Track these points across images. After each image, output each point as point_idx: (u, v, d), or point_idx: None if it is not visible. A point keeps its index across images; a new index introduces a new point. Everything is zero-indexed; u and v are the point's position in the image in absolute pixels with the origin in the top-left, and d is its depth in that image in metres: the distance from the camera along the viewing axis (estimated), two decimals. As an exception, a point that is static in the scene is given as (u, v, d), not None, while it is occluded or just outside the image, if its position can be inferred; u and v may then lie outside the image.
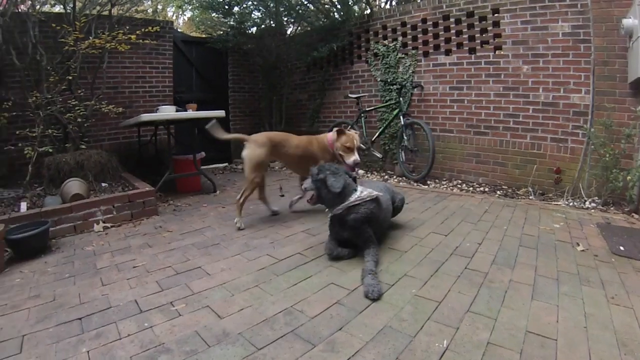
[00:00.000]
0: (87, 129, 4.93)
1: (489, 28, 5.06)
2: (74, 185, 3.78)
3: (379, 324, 1.87)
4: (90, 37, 4.64)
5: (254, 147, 3.51)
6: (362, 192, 2.71)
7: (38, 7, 4.83)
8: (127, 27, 4.95)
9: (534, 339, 1.73)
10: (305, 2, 7.35)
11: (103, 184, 4.30)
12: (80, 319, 1.99)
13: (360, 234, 2.65)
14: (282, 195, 4.71)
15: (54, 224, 3.39)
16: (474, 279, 2.35)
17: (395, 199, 3.27)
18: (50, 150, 4.16)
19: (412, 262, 2.63)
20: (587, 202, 4.15)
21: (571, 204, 4.16)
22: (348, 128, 6.16)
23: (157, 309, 2.07)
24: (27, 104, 4.27)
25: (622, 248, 2.81)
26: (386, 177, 5.85)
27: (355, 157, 3.59)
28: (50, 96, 4.35)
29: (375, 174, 6.10)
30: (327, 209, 2.84)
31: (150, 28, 5.16)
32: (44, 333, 1.87)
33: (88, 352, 1.70)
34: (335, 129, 3.73)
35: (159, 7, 10.84)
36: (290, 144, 3.74)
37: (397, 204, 3.26)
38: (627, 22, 3.77)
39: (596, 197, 4.18)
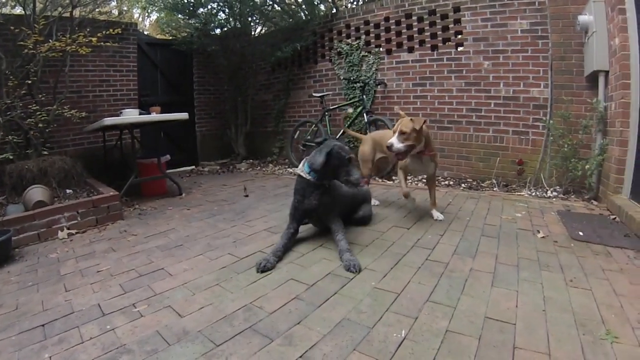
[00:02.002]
0: (49, 134, 4.81)
1: (451, 26, 5.18)
2: (36, 192, 3.69)
3: (337, 316, 1.89)
4: (51, 40, 4.53)
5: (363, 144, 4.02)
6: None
7: (-3, 9, 4.72)
8: (89, 30, 4.86)
9: (493, 324, 1.76)
10: (271, 3, 7.34)
11: (68, 191, 4.21)
12: (43, 325, 1.96)
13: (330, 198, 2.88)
14: (247, 196, 4.72)
15: (16, 233, 3.30)
16: (435, 269, 2.39)
17: (361, 207, 3.34)
18: (12, 157, 4.06)
19: (372, 255, 2.66)
20: (548, 192, 4.28)
21: (533, 193, 4.29)
22: (313, 127, 6.20)
23: (120, 311, 2.06)
24: (-15, 110, 4.16)
25: (581, 233, 2.91)
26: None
27: (390, 140, 3.21)
28: (9, 101, 4.23)
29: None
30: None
31: (112, 30, 5.06)
32: (7, 342, 1.83)
33: (50, 357, 1.68)
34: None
35: (125, 8, 10.68)
36: (385, 141, 3.73)
37: (360, 215, 3.30)
38: (583, 18, 3.92)
39: (557, 187, 4.31)
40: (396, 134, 3.16)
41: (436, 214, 3.47)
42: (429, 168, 3.47)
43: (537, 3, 4.46)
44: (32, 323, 2.00)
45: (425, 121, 3.22)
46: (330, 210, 2.89)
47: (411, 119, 3.16)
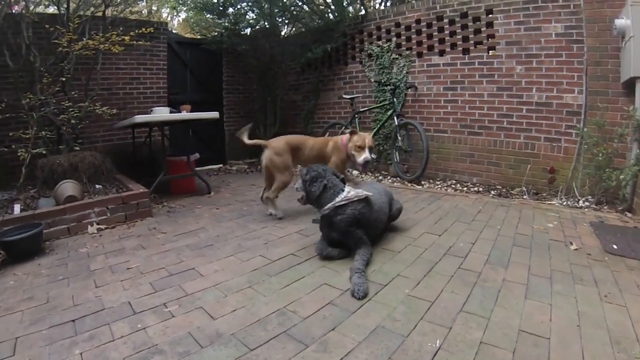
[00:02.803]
0: (81, 130, 4.92)
1: (483, 29, 5.09)
2: (67, 187, 3.76)
3: (371, 324, 1.87)
4: (84, 39, 4.62)
5: (272, 153, 3.79)
6: (348, 193, 2.70)
7: (32, 8, 4.81)
8: (121, 29, 4.94)
9: (527, 338, 1.73)
10: (300, 3, 7.35)
11: (97, 186, 4.29)
12: (73, 320, 1.99)
13: (349, 235, 2.66)
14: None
15: (47, 226, 3.37)
16: (468, 278, 2.35)
17: (393, 205, 3.25)
18: (44, 152, 4.13)
19: (405, 262, 2.63)
20: (580, 201, 4.16)
21: (565, 203, 4.18)
22: (342, 129, 6.18)
23: (151, 310, 2.07)
24: (21, 106, 4.23)
25: (615, 247, 2.82)
26: (380, 177, 5.86)
27: (364, 155, 3.69)
28: (43, 98, 4.32)
29: (370, 174, 6.10)
30: (316, 210, 2.87)
31: (144, 29, 5.14)
32: (37, 335, 1.86)
33: (81, 353, 1.69)
34: (347, 130, 3.88)
35: (154, 7, 10.83)
36: (306, 146, 3.99)
37: (393, 212, 3.23)
38: (620, 22, 3.79)
39: (590, 196, 4.19)
40: (367, 150, 3.71)
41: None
42: None
43: (572, 6, 4.34)
44: (63, 318, 2.02)
45: None
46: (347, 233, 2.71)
47: (371, 133, 3.87)
